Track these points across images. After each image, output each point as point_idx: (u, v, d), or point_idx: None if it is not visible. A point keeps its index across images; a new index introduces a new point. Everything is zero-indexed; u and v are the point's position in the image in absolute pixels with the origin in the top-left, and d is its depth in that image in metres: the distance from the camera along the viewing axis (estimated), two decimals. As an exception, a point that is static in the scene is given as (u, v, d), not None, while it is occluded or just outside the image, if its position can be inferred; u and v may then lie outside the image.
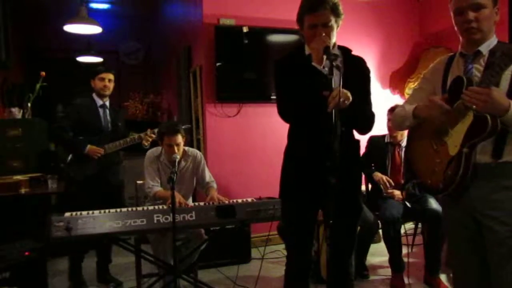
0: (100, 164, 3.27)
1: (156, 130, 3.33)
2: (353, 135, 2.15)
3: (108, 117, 3.40)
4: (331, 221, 1.81)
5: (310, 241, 2.21)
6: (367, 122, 2.12)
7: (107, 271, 3.49)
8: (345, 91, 1.80)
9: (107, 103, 3.42)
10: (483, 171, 1.64)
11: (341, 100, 1.75)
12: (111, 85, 3.40)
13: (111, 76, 3.39)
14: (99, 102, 3.38)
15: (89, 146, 3.22)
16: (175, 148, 3.04)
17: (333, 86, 1.78)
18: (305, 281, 2.18)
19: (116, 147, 3.34)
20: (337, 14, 1.97)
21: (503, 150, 1.60)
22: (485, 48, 1.73)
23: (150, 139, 3.38)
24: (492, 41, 1.73)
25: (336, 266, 2.07)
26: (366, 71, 2.16)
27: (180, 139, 3.07)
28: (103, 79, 3.35)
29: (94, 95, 3.39)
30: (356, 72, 2.05)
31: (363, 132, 2.16)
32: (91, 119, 3.32)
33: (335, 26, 1.98)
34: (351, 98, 1.84)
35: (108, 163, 3.33)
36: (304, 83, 1.98)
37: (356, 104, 1.89)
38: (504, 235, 1.60)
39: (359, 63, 2.14)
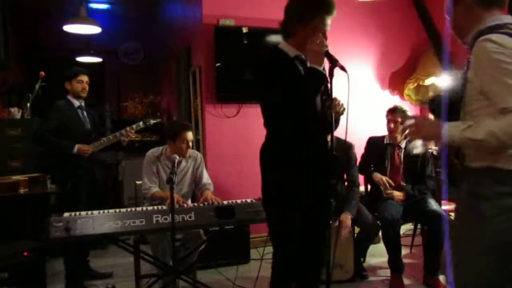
0: (88, 163, 3.31)
1: (134, 126, 3.40)
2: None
3: (87, 118, 3.42)
4: (331, 222, 1.83)
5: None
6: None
7: (89, 266, 3.50)
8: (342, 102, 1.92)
9: (83, 104, 3.43)
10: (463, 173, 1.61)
11: (341, 109, 1.89)
12: (87, 87, 3.43)
13: (87, 78, 3.42)
14: (76, 103, 3.38)
15: (77, 146, 3.23)
16: (190, 144, 3.11)
17: (332, 88, 1.87)
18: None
19: (101, 145, 3.36)
20: None
21: (465, 155, 1.57)
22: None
23: (128, 137, 3.40)
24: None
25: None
26: None
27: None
28: (81, 81, 3.37)
29: (69, 97, 3.38)
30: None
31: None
32: (74, 123, 3.32)
33: None
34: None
35: (95, 162, 3.39)
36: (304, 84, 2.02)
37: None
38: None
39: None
